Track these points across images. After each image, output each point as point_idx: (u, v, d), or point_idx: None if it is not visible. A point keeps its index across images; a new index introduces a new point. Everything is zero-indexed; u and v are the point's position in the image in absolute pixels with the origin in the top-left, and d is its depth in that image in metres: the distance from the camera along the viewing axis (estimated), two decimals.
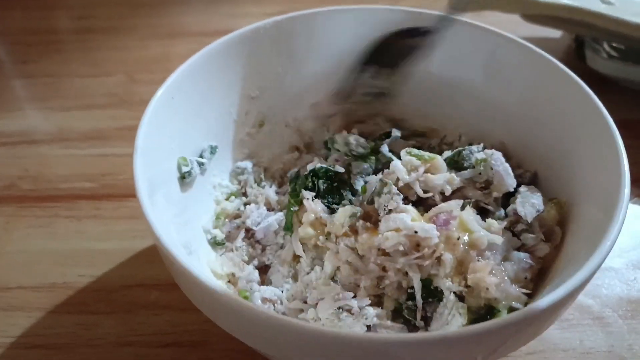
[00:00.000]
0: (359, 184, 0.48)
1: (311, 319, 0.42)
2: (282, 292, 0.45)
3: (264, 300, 0.44)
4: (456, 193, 0.46)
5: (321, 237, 0.45)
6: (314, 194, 0.47)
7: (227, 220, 0.51)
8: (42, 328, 0.49)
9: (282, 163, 0.57)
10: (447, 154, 0.49)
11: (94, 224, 0.58)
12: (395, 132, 0.54)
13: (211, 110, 0.51)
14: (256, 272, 0.47)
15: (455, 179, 0.45)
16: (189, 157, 0.48)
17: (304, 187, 0.47)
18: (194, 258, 0.45)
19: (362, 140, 0.51)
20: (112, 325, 0.49)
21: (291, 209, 0.47)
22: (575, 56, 0.73)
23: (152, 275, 0.53)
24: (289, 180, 0.51)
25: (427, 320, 0.42)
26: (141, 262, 0.54)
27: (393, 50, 0.49)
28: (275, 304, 0.44)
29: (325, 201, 0.47)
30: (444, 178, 0.45)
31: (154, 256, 0.48)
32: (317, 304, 0.42)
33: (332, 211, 0.46)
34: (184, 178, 0.47)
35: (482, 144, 0.49)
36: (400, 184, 0.44)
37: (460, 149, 0.49)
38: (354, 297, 0.42)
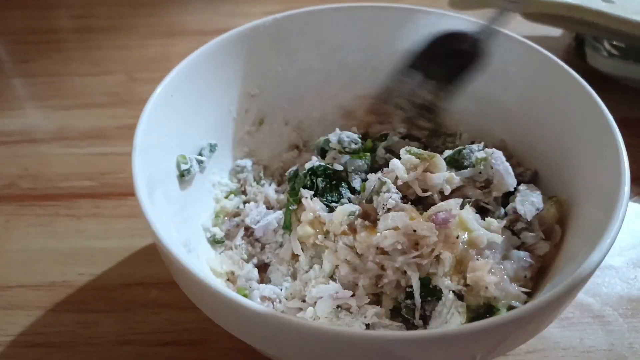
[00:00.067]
0: (356, 182, 0.48)
1: (310, 317, 0.42)
2: (281, 290, 0.45)
3: (263, 298, 0.44)
4: (456, 192, 0.46)
5: (320, 236, 0.45)
6: (312, 192, 0.47)
7: (226, 218, 0.51)
8: (42, 326, 0.49)
9: (282, 161, 0.57)
10: (448, 152, 0.49)
11: (94, 222, 0.58)
12: (392, 136, 0.53)
13: (210, 109, 0.51)
14: (255, 271, 0.47)
15: (455, 178, 0.45)
16: (188, 155, 0.48)
17: (302, 185, 0.47)
18: (193, 256, 0.45)
19: (354, 136, 0.51)
20: (112, 323, 0.49)
21: (290, 207, 0.47)
22: (576, 54, 0.73)
23: (151, 273, 0.53)
24: (288, 178, 0.51)
25: (425, 319, 0.42)
26: (141, 261, 0.54)
27: (439, 60, 0.48)
28: (275, 303, 0.44)
29: (324, 199, 0.47)
30: (443, 177, 0.45)
31: (154, 254, 0.48)
32: (315, 302, 0.42)
33: (331, 210, 0.46)
34: (183, 176, 0.47)
35: (482, 143, 0.49)
36: (399, 182, 0.44)
37: (460, 147, 0.48)
38: (353, 295, 0.42)
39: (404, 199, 0.44)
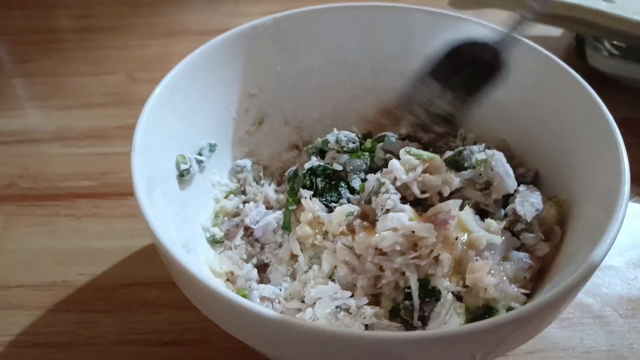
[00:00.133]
0: (355, 182, 0.48)
1: (309, 318, 0.41)
2: (281, 290, 0.45)
3: (263, 298, 0.44)
4: (455, 194, 0.45)
5: (318, 236, 0.44)
6: (312, 192, 0.47)
7: (226, 218, 0.51)
8: (41, 326, 0.49)
9: (282, 161, 0.57)
10: (448, 153, 0.48)
11: (94, 222, 0.58)
12: (390, 136, 0.53)
13: (210, 108, 0.51)
14: (255, 271, 0.47)
15: (455, 179, 0.45)
16: (187, 155, 0.48)
17: (302, 185, 0.47)
18: (192, 256, 0.45)
19: (352, 135, 0.51)
20: (112, 323, 0.49)
21: (289, 207, 0.47)
22: (576, 54, 0.73)
23: (151, 273, 0.53)
24: (287, 178, 0.51)
25: (424, 320, 0.41)
26: (140, 261, 0.54)
27: (459, 69, 0.47)
28: (274, 303, 0.44)
29: (324, 199, 0.46)
30: (442, 178, 0.45)
31: (154, 254, 0.48)
32: (314, 303, 0.42)
33: (330, 210, 0.46)
34: (183, 176, 0.47)
35: (483, 144, 0.49)
36: (398, 183, 0.44)
37: (461, 148, 0.48)
38: (352, 296, 0.42)
39: (403, 199, 0.44)
